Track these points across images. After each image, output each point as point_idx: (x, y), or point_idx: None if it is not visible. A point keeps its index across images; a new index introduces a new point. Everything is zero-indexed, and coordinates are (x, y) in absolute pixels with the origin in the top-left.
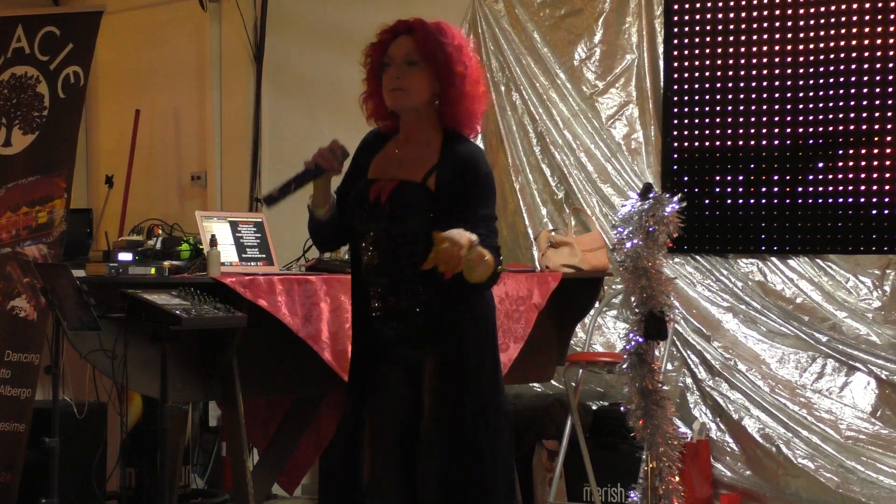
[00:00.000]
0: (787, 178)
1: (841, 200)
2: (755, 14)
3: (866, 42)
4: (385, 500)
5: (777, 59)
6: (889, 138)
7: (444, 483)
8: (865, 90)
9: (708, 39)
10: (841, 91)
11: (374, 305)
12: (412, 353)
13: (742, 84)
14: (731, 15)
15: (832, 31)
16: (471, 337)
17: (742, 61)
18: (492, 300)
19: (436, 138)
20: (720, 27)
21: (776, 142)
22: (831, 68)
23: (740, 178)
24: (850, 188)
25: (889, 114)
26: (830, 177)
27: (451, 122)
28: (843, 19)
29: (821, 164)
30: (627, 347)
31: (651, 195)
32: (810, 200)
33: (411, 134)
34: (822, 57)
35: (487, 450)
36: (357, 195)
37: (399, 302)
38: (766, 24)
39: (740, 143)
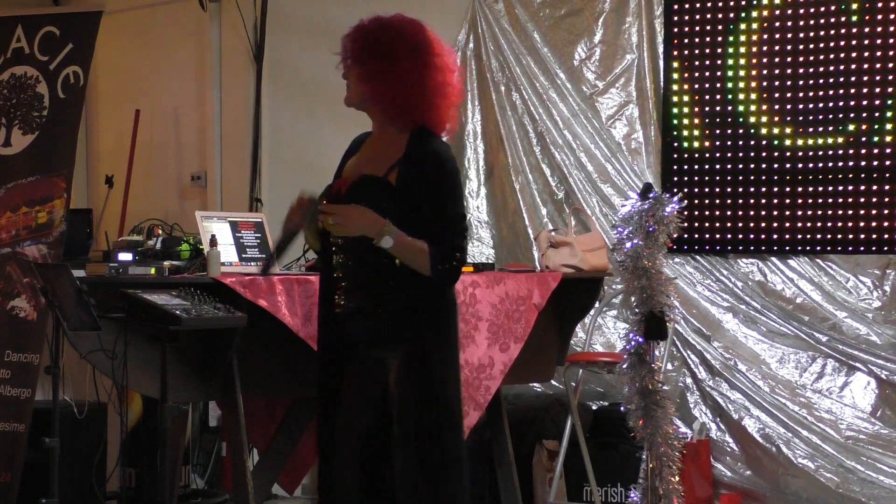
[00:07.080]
0: (787, 178)
1: (841, 200)
2: (755, 14)
3: (866, 42)
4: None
5: (777, 60)
6: (888, 138)
7: (418, 485)
8: (865, 90)
9: (708, 39)
10: (840, 91)
11: (340, 304)
12: (377, 352)
13: (742, 84)
14: (731, 15)
15: (832, 32)
16: (432, 337)
17: (742, 61)
18: (454, 301)
19: (402, 136)
20: (720, 27)
21: (776, 142)
22: (831, 68)
23: (740, 178)
24: (851, 188)
25: (889, 113)
26: (830, 177)
27: (411, 120)
28: (843, 19)
29: (821, 164)
30: (627, 347)
31: (651, 195)
32: (810, 200)
33: (379, 132)
34: (821, 57)
35: (452, 450)
36: (323, 193)
37: (362, 301)
38: (766, 25)
39: (740, 143)
